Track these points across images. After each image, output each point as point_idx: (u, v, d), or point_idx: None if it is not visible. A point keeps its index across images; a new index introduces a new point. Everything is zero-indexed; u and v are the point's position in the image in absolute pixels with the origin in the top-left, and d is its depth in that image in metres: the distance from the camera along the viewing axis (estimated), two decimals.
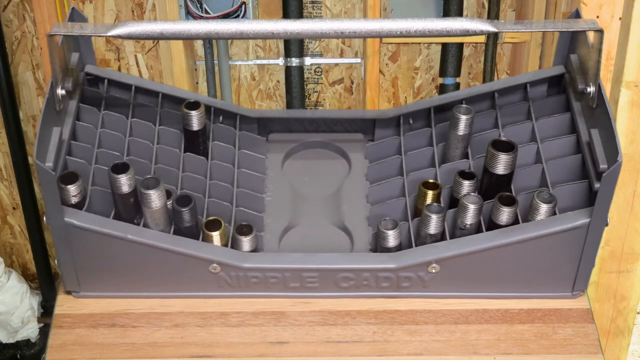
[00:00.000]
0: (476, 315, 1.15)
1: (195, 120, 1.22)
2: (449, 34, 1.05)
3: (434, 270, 1.14)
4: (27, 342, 2.71)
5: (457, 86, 2.38)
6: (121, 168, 1.09)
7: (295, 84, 2.40)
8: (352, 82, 2.48)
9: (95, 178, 1.16)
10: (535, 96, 1.29)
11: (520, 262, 1.14)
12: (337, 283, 1.15)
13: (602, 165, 1.09)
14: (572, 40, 1.25)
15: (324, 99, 2.50)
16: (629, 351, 2.25)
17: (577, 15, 1.21)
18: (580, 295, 1.18)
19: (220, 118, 1.32)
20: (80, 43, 1.25)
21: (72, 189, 1.09)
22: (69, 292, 1.16)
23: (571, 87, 1.24)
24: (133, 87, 1.28)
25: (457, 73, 2.37)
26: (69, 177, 1.10)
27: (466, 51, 2.41)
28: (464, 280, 1.16)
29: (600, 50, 1.11)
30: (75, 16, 1.18)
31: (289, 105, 2.42)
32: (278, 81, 2.47)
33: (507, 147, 1.14)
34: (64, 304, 1.15)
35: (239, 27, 1.06)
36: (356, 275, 1.15)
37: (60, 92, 1.13)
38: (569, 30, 1.19)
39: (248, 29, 1.05)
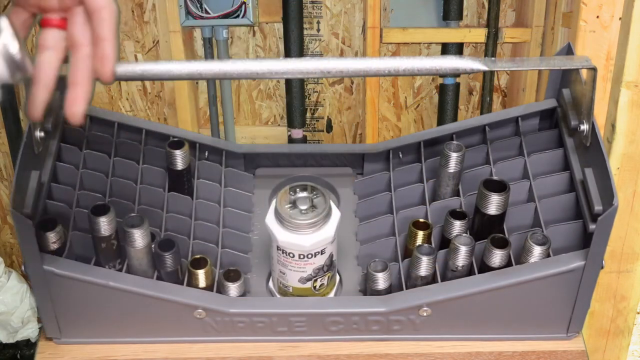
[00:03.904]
0: (469, 358, 1.14)
1: (180, 159, 1.21)
2: (438, 72, 1.03)
3: (425, 314, 1.12)
4: (27, 342, 2.71)
5: (457, 86, 2.36)
6: (101, 210, 1.08)
7: (295, 84, 2.37)
8: (352, 82, 2.46)
9: (76, 222, 1.14)
10: (527, 130, 1.27)
11: (513, 304, 1.12)
12: (325, 327, 1.13)
13: (597, 207, 1.06)
14: (564, 75, 1.23)
15: (324, 99, 2.48)
16: (629, 351, 2.24)
17: (569, 51, 1.19)
18: (576, 337, 1.16)
19: (206, 154, 1.30)
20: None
21: (52, 236, 1.07)
22: (49, 339, 1.14)
23: (564, 122, 1.21)
24: (116, 125, 1.26)
25: (457, 73, 2.34)
26: (48, 224, 1.07)
27: (466, 51, 2.38)
28: (456, 323, 1.14)
29: (594, 88, 1.08)
30: None
31: (289, 105, 2.41)
32: (278, 81, 2.45)
33: (500, 186, 1.13)
34: (45, 351, 1.13)
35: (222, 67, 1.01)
36: (345, 319, 1.13)
37: (39, 134, 1.10)
38: (562, 68, 1.15)
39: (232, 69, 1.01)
